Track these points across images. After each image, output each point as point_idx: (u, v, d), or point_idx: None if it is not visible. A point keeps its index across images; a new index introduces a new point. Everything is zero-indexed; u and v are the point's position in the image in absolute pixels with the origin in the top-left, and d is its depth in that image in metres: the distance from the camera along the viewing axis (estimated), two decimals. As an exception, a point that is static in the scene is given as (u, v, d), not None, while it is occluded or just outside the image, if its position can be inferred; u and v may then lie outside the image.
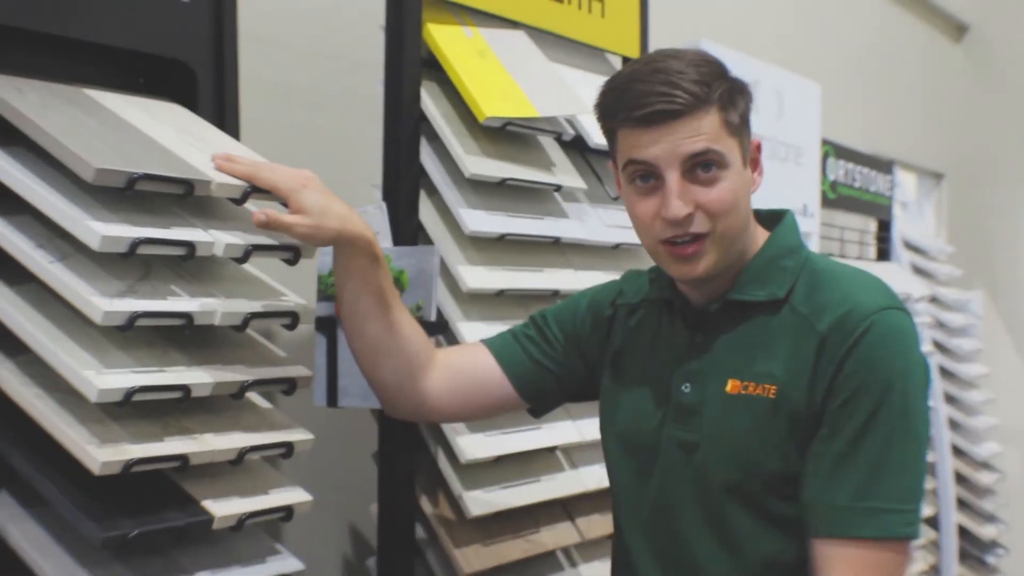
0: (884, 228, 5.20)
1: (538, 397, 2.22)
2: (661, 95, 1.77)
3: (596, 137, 2.79)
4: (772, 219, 2.00)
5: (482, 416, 2.32)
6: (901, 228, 5.25)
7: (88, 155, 1.79)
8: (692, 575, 1.94)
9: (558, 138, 2.77)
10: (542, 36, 2.89)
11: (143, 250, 1.82)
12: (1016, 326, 7.38)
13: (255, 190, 1.98)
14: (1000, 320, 7.41)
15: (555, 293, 2.69)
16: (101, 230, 1.78)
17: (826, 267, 1.93)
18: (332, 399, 2.46)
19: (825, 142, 4.48)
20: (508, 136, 2.65)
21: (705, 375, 1.92)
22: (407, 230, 2.49)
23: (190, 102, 2.25)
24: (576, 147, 2.89)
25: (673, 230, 1.83)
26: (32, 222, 1.90)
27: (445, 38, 2.55)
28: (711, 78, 1.81)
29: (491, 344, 2.21)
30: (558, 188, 2.74)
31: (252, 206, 2.07)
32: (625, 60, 3.22)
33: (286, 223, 1.92)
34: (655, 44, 3.23)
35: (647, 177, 1.84)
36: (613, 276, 2.82)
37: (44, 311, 1.89)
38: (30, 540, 1.88)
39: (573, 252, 2.81)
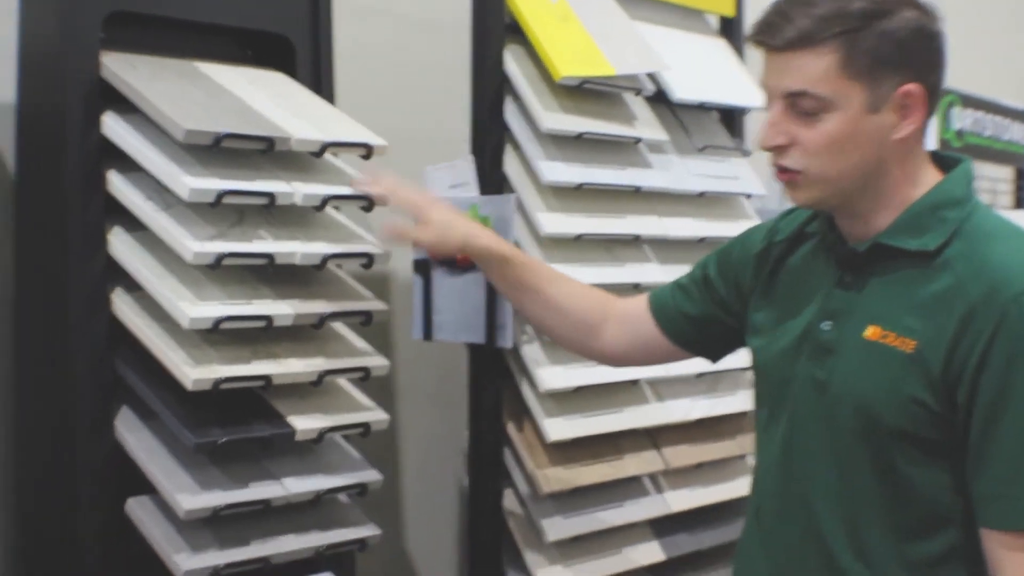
0: (1021, 176, 5.23)
1: (701, 347, 2.30)
2: (771, 25, 1.76)
3: (681, 92, 2.98)
4: (947, 165, 1.90)
5: (665, 362, 2.39)
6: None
7: (180, 118, 2.09)
8: (808, 519, 1.90)
9: (639, 94, 2.95)
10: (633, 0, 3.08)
11: (228, 200, 2.12)
12: None
13: (333, 144, 2.26)
14: None
15: (636, 238, 2.90)
16: (190, 183, 2.08)
17: (992, 226, 1.82)
18: (427, 333, 2.72)
19: (949, 91, 4.53)
20: (590, 94, 2.85)
21: (846, 316, 1.85)
22: (492, 181, 2.73)
23: (290, 70, 2.51)
24: (664, 101, 3.06)
25: (775, 158, 1.83)
26: (146, 178, 2.20)
27: (528, 4, 2.77)
28: (836, 15, 1.72)
29: (652, 299, 2.30)
30: (638, 140, 2.93)
31: (337, 160, 2.36)
32: (723, 21, 3.38)
33: (413, 235, 2.30)
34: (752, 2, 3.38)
35: (767, 100, 1.84)
36: (701, 223, 3.05)
37: (155, 253, 2.20)
38: (143, 446, 2.21)
39: (657, 200, 2.99)
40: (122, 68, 2.21)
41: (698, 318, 2.23)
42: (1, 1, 2.34)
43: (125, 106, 2.20)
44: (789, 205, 3.34)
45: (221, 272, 2.19)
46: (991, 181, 5.10)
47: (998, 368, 1.69)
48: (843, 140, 1.77)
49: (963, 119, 4.69)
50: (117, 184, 2.21)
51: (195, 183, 2.09)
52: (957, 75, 4.67)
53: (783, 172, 1.83)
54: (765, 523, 2.02)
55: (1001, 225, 1.83)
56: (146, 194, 2.19)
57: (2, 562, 2.47)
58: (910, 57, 1.76)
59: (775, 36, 1.76)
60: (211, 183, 2.12)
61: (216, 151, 2.16)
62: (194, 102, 2.20)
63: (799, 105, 1.77)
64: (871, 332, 1.81)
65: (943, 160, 1.91)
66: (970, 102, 4.74)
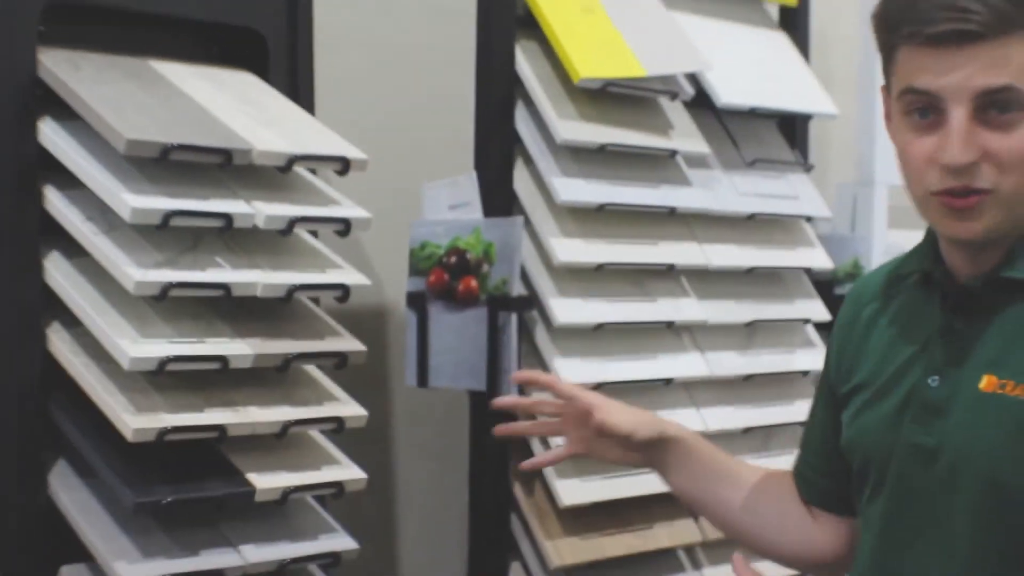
0: None
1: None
2: (957, 10, 1.59)
3: (728, 95, 3.03)
4: None
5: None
6: None
7: (122, 126, 2.15)
8: None
9: (675, 97, 2.99)
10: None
11: (177, 222, 2.18)
12: None
13: (302, 157, 2.32)
14: None
15: (671, 268, 2.94)
16: (132, 202, 2.14)
17: None
18: (423, 379, 2.78)
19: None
20: (616, 99, 2.90)
21: (958, 367, 1.75)
22: (500, 200, 2.78)
23: (261, 71, 2.58)
24: (708, 107, 3.10)
25: (950, 180, 1.66)
26: (88, 195, 2.26)
27: (543, -6, 2.83)
28: None
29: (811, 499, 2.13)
30: (674, 153, 2.97)
31: (310, 176, 2.42)
32: (782, 10, 3.42)
33: (617, 456, 2.16)
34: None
35: (927, 111, 1.67)
36: (750, 251, 3.09)
37: (96, 283, 2.26)
38: (80, 506, 2.27)
39: (698, 223, 3.04)
40: (62, 67, 2.28)
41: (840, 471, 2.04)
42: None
43: (66, 111, 2.26)
44: (861, 231, 3.42)
45: (169, 305, 2.24)
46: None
47: None
48: None
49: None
50: (54, 202, 2.28)
51: (138, 202, 2.15)
52: None
53: (963, 197, 1.67)
54: None
55: None
56: (87, 214, 2.26)
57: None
58: None
59: (967, 21, 1.59)
60: (157, 202, 2.18)
61: (167, 165, 2.22)
62: (143, 108, 2.27)
63: (991, 109, 1.64)
64: (987, 383, 1.71)
65: None
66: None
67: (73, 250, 2.30)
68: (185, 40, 2.57)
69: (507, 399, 2.28)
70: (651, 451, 2.12)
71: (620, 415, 2.10)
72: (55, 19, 2.30)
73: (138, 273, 2.17)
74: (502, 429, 2.23)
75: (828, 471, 2.05)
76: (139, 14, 2.42)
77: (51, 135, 2.27)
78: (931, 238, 1.84)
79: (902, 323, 1.89)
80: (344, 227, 2.38)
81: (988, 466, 1.69)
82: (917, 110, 1.68)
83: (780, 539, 2.12)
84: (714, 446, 2.18)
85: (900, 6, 1.66)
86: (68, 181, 2.28)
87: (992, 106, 1.63)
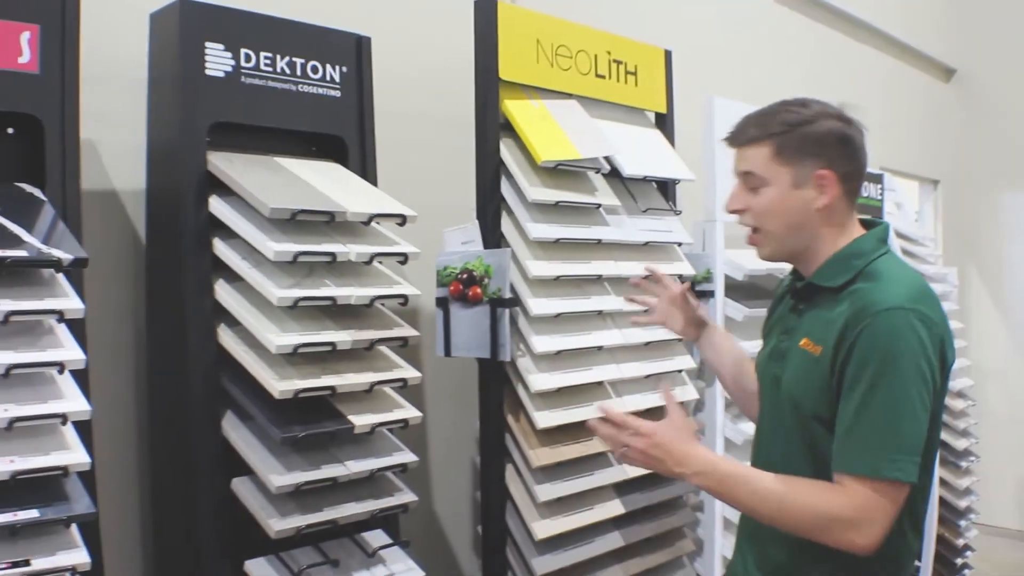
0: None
1: None
2: (736, 129, 1.92)
3: (629, 168, 3.01)
4: (870, 227, 1.95)
5: None
6: (892, 223, 5.30)
7: (266, 198, 2.11)
8: (770, 466, 1.88)
9: (598, 171, 2.98)
10: (593, 103, 3.10)
11: (302, 259, 2.14)
12: (996, 293, 7.34)
13: (377, 215, 2.28)
14: (984, 289, 7.37)
15: (599, 277, 2.90)
16: (274, 247, 2.11)
17: (885, 269, 1.85)
18: (447, 351, 2.74)
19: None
20: (564, 173, 2.88)
21: (793, 331, 1.93)
22: (493, 238, 2.75)
23: (344, 162, 2.55)
24: (617, 176, 3.07)
25: (743, 220, 1.95)
26: (241, 243, 2.23)
27: (516, 108, 2.80)
28: (773, 122, 1.87)
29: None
30: (599, 206, 2.95)
31: (380, 227, 2.37)
32: (657, 115, 3.40)
33: (680, 327, 2.39)
34: (679, 101, 3.42)
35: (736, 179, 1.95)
36: (644, 264, 3.05)
37: (249, 298, 2.22)
38: (244, 441, 2.22)
39: (614, 249, 3.01)
40: (223, 162, 2.23)
41: None
42: (135, 114, 2.36)
43: (225, 190, 2.23)
44: (708, 251, 3.43)
45: (298, 311, 2.20)
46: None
47: (856, 363, 1.75)
48: (776, 206, 1.89)
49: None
50: (220, 248, 2.23)
51: (278, 247, 2.12)
52: None
53: (752, 235, 1.95)
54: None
55: (892, 270, 1.85)
56: (241, 255, 2.22)
57: (138, 529, 2.47)
58: (824, 150, 1.86)
59: (737, 138, 1.92)
60: (290, 247, 2.14)
61: (292, 223, 2.18)
62: (275, 186, 2.22)
63: (749, 182, 1.90)
64: (804, 342, 1.88)
65: (870, 224, 1.95)
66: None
67: (232, 278, 2.25)
68: (295, 144, 2.49)
69: (635, 278, 2.49)
70: (699, 328, 2.35)
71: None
72: (217, 132, 2.25)
73: (279, 292, 2.12)
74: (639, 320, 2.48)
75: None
76: (266, 128, 2.37)
77: (217, 206, 2.23)
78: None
79: (782, 307, 2.07)
80: (403, 259, 2.34)
81: (793, 390, 1.88)
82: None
83: (745, 397, 2.26)
84: (732, 340, 2.38)
85: (729, 131, 1.95)
86: (228, 234, 2.23)
87: (748, 180, 1.91)
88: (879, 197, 5.20)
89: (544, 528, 2.71)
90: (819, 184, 1.86)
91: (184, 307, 2.20)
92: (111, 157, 2.41)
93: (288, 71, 2.38)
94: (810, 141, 1.85)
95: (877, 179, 5.21)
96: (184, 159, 2.19)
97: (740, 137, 1.91)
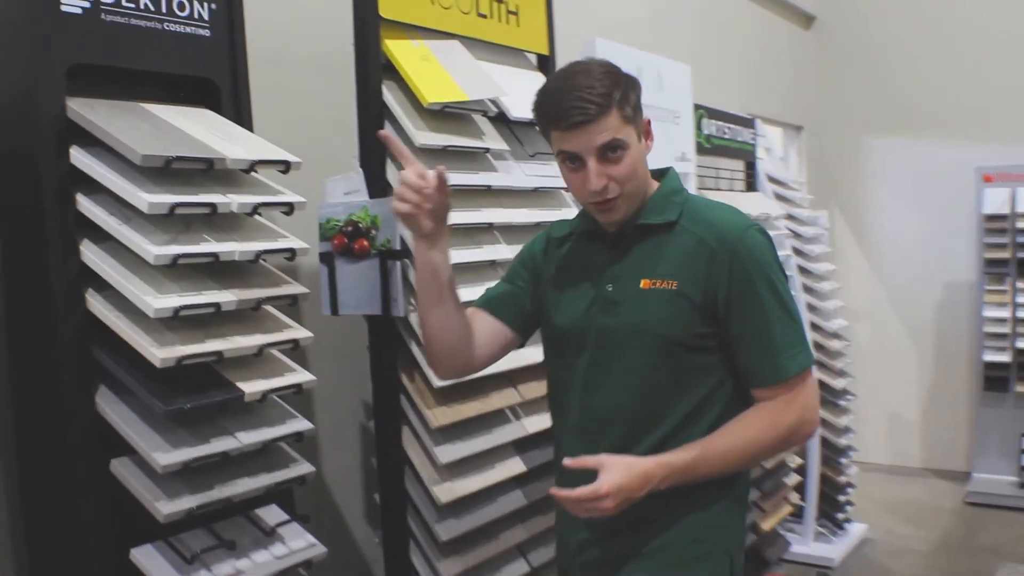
0: (751, 168, 5.29)
1: (527, 331, 2.27)
2: (579, 109, 1.89)
3: (515, 112, 2.88)
4: (660, 173, 2.12)
5: (505, 352, 2.29)
6: (764, 167, 5.34)
7: (136, 145, 1.92)
8: (605, 429, 2.03)
9: (484, 114, 2.85)
10: (474, 44, 2.96)
11: (179, 211, 1.95)
12: (859, 234, 7.50)
13: (259, 162, 2.10)
14: (848, 230, 7.53)
15: (490, 225, 2.78)
16: (148, 198, 1.91)
17: (701, 201, 2.08)
18: (335, 309, 2.58)
19: (698, 107, 4.56)
20: (449, 116, 2.74)
21: (623, 278, 2.01)
22: (378, 187, 2.58)
23: (216, 108, 2.34)
24: (503, 120, 2.95)
25: (595, 197, 1.96)
26: (107, 198, 2.02)
27: (398, 49, 2.64)
28: (611, 88, 1.91)
29: (488, 305, 2.24)
30: (487, 150, 2.82)
31: (261, 176, 2.19)
32: (539, 57, 3.28)
33: (426, 226, 2.04)
34: (560, 42, 3.31)
35: (574, 160, 1.96)
36: (535, 212, 2.95)
37: (119, 259, 2.02)
38: (122, 417, 2.02)
39: (503, 196, 2.89)
40: (83, 108, 2.02)
41: (529, 309, 2.23)
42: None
43: (87, 140, 2.02)
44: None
45: (176, 270, 2.01)
46: (730, 172, 5.14)
47: (740, 284, 1.94)
48: (637, 165, 1.98)
49: (709, 127, 4.72)
50: (85, 204, 2.02)
51: (151, 198, 1.92)
52: (706, 95, 4.78)
53: (605, 203, 1.98)
54: (573, 437, 2.10)
55: (709, 201, 2.09)
56: (109, 210, 2.01)
57: (6, 516, 2.25)
58: (639, 100, 2.00)
59: (584, 113, 1.90)
60: (165, 197, 1.95)
61: (165, 172, 1.99)
62: (145, 133, 2.02)
63: (607, 152, 1.94)
64: (644, 283, 1.98)
65: (654, 170, 2.13)
66: (714, 114, 4.78)
67: (100, 237, 2.04)
68: (163, 88, 2.27)
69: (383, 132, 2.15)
70: (440, 224, 2.05)
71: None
72: (75, 77, 2.03)
73: (155, 249, 1.93)
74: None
75: (524, 313, 2.23)
76: (132, 71, 2.15)
77: (80, 157, 2.01)
78: (587, 212, 2.10)
79: (583, 258, 2.12)
80: (289, 209, 2.18)
81: (651, 327, 1.97)
82: (568, 159, 1.98)
83: (457, 340, 2.15)
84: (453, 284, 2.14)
85: (545, 108, 1.97)
86: (94, 189, 2.02)
87: (607, 151, 1.94)
88: (751, 142, 5.22)
89: (447, 491, 2.58)
90: (647, 131, 2.03)
91: (47, 272, 1.98)
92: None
93: (152, 7, 2.16)
94: (635, 95, 1.97)
95: (749, 123, 5.23)
96: (39, 106, 1.96)
97: (589, 112, 1.90)
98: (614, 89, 1.92)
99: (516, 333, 2.24)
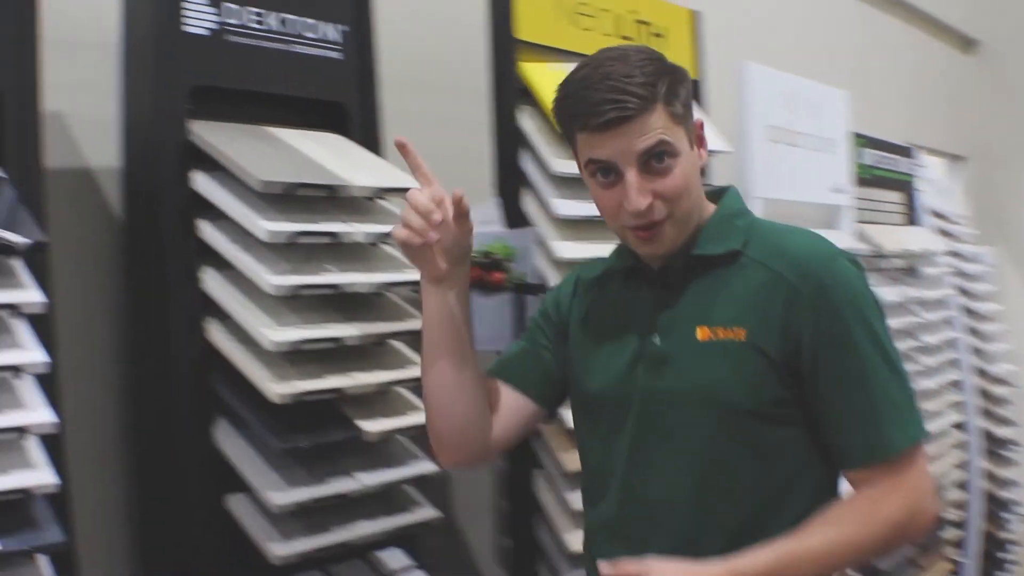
0: (910, 200, 5.01)
1: (555, 401, 1.76)
2: (613, 102, 1.44)
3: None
4: (716, 194, 1.65)
5: (533, 428, 1.82)
6: (925, 199, 5.05)
7: (257, 170, 1.84)
8: (655, 526, 1.55)
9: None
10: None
11: (300, 240, 1.86)
12: (1028, 272, 7.10)
13: (384, 189, 2.01)
14: (1014, 269, 7.11)
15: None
16: (267, 226, 1.83)
17: (771, 225, 1.62)
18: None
19: (858, 136, 4.33)
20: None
21: (675, 327, 1.55)
22: (514, 217, 2.47)
23: (345, 132, 2.26)
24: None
25: (635, 220, 1.50)
26: (230, 224, 1.94)
27: (535, 72, 2.53)
28: (655, 77, 1.47)
29: (506, 375, 1.73)
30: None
31: (387, 203, 2.10)
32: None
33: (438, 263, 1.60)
34: (707, 67, 3.16)
35: (607, 172, 1.50)
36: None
37: (241, 288, 1.94)
38: (238, 452, 1.94)
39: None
40: (205, 131, 1.96)
41: (555, 374, 1.72)
42: (106, 84, 2.09)
43: (211, 165, 1.95)
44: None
45: (297, 301, 1.93)
46: (889, 204, 4.88)
47: (831, 330, 1.48)
48: (689, 178, 1.52)
49: (867, 157, 4.49)
50: (207, 231, 1.96)
51: (270, 226, 1.84)
52: (861, 123, 4.54)
53: (647, 229, 1.52)
54: (612, 534, 1.61)
55: (780, 226, 1.62)
56: (231, 237, 1.94)
57: (122, 557, 2.19)
58: (690, 96, 1.55)
59: (623, 109, 1.45)
60: (285, 226, 1.87)
61: (287, 199, 1.91)
62: (268, 157, 1.95)
63: (651, 161, 1.47)
64: (703, 333, 1.52)
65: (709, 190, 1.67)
66: (872, 143, 4.54)
67: (223, 266, 1.96)
68: (290, 111, 2.20)
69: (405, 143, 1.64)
70: (456, 266, 1.61)
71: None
72: (199, 99, 1.97)
73: (274, 279, 1.85)
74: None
75: (552, 382, 1.72)
76: (258, 93, 2.08)
77: (201, 182, 1.95)
78: (626, 246, 1.64)
79: (621, 302, 1.66)
80: (417, 239, 2.05)
81: (714, 391, 1.50)
82: (600, 171, 1.52)
83: (471, 419, 1.65)
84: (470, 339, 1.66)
85: (571, 104, 1.51)
86: (216, 216, 1.95)
87: (651, 159, 1.48)
88: (911, 173, 4.95)
89: (579, 540, 2.43)
90: (699, 136, 1.58)
91: (167, 300, 1.92)
92: (81, 131, 2.13)
93: (280, 29, 2.09)
94: (686, 89, 1.53)
95: (908, 153, 4.96)
96: (161, 129, 1.91)
97: (628, 107, 1.45)
98: (659, 79, 1.48)
99: (540, 405, 1.73)
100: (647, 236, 1.52)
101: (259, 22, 2.06)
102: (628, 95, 1.44)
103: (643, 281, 1.62)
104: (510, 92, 2.48)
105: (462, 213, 1.56)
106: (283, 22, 2.10)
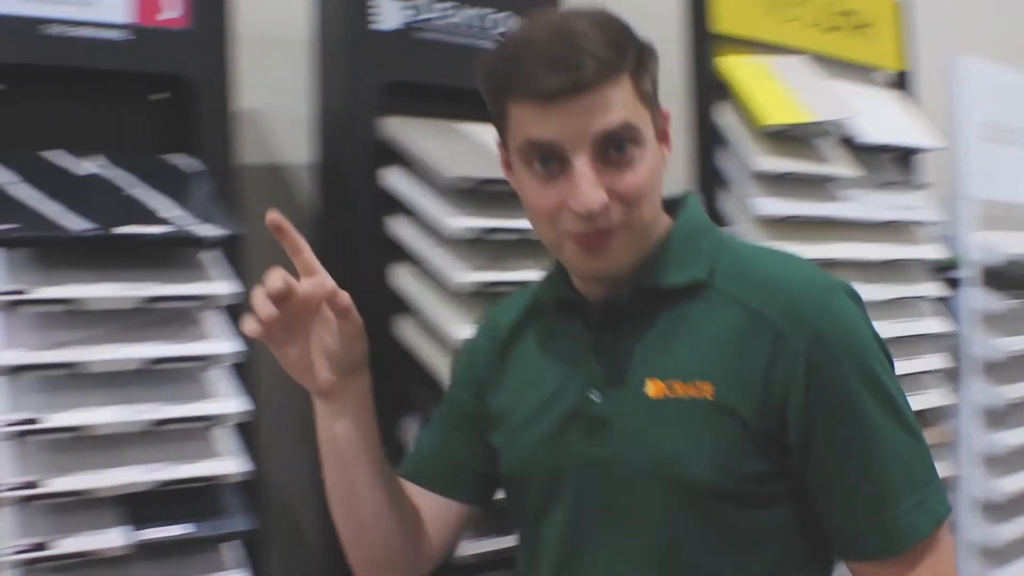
0: None
1: (489, 492, 1.42)
2: (566, 64, 1.07)
3: (868, 135, 2.60)
4: (671, 204, 1.28)
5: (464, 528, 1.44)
6: None
7: (445, 166, 1.84)
8: None
9: (830, 136, 2.57)
10: (820, 61, 2.68)
11: (488, 236, 1.84)
12: None
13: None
14: None
15: (831, 262, 2.48)
16: (453, 222, 1.82)
17: (745, 247, 1.26)
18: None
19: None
20: (789, 142, 2.47)
21: (618, 379, 1.19)
22: (712, 217, 2.37)
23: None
24: (849, 145, 2.64)
25: (584, 224, 1.12)
26: (418, 221, 1.94)
27: (733, 67, 2.44)
28: (622, 40, 1.12)
29: (414, 476, 1.39)
30: (834, 178, 2.54)
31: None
32: (891, 76, 2.97)
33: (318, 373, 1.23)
34: (918, 60, 2.99)
35: (548, 159, 1.12)
36: (883, 247, 2.63)
37: (429, 284, 1.94)
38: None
39: (847, 228, 2.58)
40: (395, 128, 1.97)
41: (481, 458, 1.37)
42: (299, 81, 2.13)
43: (400, 161, 1.96)
44: (955, 232, 2.95)
45: (485, 299, 1.89)
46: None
47: (829, 389, 1.12)
48: (654, 177, 1.16)
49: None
50: (398, 227, 1.96)
51: (458, 222, 1.84)
52: None
53: (598, 236, 1.13)
54: None
55: (753, 247, 1.28)
56: (420, 234, 1.94)
57: (317, 549, 2.23)
58: (657, 80, 1.20)
59: (579, 72, 1.07)
60: (472, 222, 1.85)
61: (477, 195, 1.89)
62: (458, 153, 1.94)
63: (609, 150, 1.11)
64: (654, 389, 1.15)
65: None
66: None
67: (412, 260, 1.96)
68: (478, 106, 2.18)
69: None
70: (349, 377, 1.24)
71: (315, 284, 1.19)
72: (391, 95, 1.98)
73: (458, 275, 1.84)
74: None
75: (457, 463, 1.39)
76: (449, 89, 2.05)
77: (392, 178, 1.95)
78: (560, 267, 1.28)
79: (545, 348, 1.29)
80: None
81: (676, 469, 1.13)
82: (539, 159, 1.13)
83: (399, 534, 1.32)
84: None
85: (506, 67, 1.12)
86: (406, 210, 1.95)
87: (610, 147, 1.11)
88: None
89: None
90: (664, 131, 1.21)
91: (357, 295, 1.91)
92: (275, 127, 2.18)
93: (468, 25, 2.09)
94: (654, 65, 1.18)
95: None
96: (353, 126, 1.93)
97: (585, 71, 1.08)
98: (627, 43, 1.13)
99: (468, 503, 1.39)
100: (596, 246, 1.14)
101: (448, 17, 2.06)
102: (587, 55, 1.08)
103: (579, 318, 1.25)
104: (708, 88, 2.40)
105: (339, 310, 1.18)
106: (473, 17, 2.09)
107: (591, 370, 1.21)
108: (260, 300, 1.11)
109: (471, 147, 2.01)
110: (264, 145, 2.19)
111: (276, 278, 1.11)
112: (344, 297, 1.17)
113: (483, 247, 1.90)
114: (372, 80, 1.94)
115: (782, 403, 1.12)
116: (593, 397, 1.20)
